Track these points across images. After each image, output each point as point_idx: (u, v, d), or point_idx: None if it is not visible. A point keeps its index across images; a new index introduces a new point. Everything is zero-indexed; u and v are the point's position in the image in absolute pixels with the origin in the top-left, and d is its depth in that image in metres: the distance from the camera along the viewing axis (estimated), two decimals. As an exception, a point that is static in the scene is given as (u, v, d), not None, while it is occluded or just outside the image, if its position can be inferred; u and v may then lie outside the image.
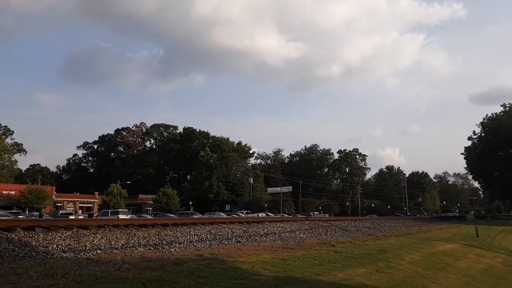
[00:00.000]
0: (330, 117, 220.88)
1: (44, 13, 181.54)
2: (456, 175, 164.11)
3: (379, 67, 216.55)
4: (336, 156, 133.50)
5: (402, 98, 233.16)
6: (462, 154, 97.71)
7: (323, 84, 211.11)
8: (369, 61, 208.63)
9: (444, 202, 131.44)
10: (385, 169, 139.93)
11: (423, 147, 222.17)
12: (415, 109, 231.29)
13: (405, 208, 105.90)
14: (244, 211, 67.24)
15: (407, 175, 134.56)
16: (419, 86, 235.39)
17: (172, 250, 13.22)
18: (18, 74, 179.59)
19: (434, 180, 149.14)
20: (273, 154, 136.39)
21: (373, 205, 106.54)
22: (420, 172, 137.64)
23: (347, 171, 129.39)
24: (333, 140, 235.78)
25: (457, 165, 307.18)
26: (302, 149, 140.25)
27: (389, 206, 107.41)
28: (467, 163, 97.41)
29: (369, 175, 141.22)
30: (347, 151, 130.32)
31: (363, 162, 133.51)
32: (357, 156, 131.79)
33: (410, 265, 15.89)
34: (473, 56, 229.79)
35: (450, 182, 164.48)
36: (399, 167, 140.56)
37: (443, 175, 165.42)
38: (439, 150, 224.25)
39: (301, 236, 21.44)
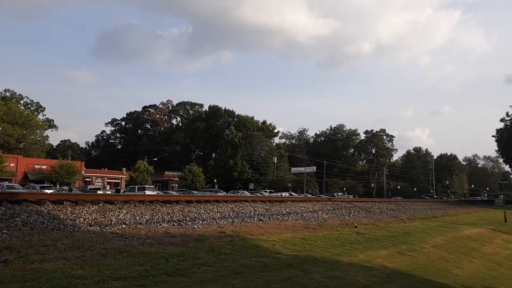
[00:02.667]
0: (358, 96, 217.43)
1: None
2: (486, 158, 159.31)
3: (411, 45, 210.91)
4: (363, 136, 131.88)
5: (434, 77, 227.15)
6: (493, 136, 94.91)
7: (353, 62, 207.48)
8: (401, 38, 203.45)
9: (473, 186, 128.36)
10: (413, 151, 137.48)
11: (454, 128, 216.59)
12: (448, 89, 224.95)
13: (432, 191, 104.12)
14: (268, 190, 67.59)
15: (435, 157, 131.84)
16: (452, 65, 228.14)
17: (195, 226, 13.44)
18: (50, 50, 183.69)
19: (463, 162, 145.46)
20: (298, 134, 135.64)
21: (399, 187, 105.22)
22: (448, 154, 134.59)
23: (373, 152, 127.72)
24: (361, 120, 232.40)
25: (487, 147, 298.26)
26: (327, 129, 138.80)
27: (415, 189, 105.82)
28: (498, 146, 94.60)
29: (396, 156, 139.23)
30: (374, 131, 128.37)
31: (390, 143, 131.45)
32: (384, 137, 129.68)
33: (434, 248, 15.73)
34: (511, 34, 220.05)
35: (479, 165, 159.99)
36: (427, 149, 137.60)
37: (472, 158, 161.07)
38: (469, 132, 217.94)
39: (324, 216, 21.44)
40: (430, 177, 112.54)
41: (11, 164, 60.12)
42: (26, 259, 7.18)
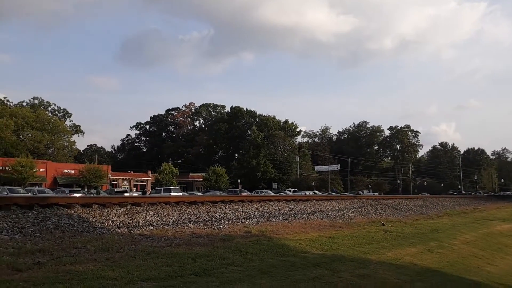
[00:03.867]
0: (381, 93, 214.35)
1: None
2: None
3: (435, 39, 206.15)
4: (387, 133, 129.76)
5: (459, 71, 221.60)
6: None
7: (375, 58, 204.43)
8: (424, 33, 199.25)
9: (503, 180, 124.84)
10: (439, 146, 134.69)
11: (481, 122, 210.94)
12: (474, 82, 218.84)
13: (459, 186, 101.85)
14: (292, 189, 67.37)
15: (462, 152, 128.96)
16: (479, 58, 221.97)
17: (221, 226, 13.51)
18: (76, 58, 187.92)
19: (491, 157, 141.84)
20: (320, 132, 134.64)
21: (425, 183, 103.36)
22: (476, 148, 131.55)
23: (398, 148, 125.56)
24: (384, 117, 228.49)
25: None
26: (350, 126, 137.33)
27: (442, 184, 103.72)
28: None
29: (421, 152, 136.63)
30: (398, 127, 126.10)
31: (416, 138, 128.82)
32: (409, 133, 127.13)
33: (464, 245, 15.36)
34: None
35: (509, 159, 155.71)
36: (453, 144, 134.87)
37: (501, 151, 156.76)
38: (498, 126, 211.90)
39: (349, 214, 21.22)
40: (458, 173, 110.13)
41: (41, 170, 61.75)
42: (58, 261, 7.35)
